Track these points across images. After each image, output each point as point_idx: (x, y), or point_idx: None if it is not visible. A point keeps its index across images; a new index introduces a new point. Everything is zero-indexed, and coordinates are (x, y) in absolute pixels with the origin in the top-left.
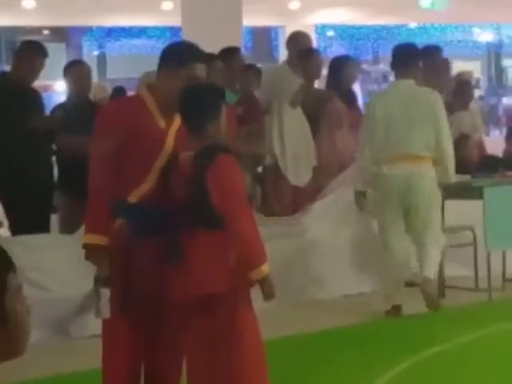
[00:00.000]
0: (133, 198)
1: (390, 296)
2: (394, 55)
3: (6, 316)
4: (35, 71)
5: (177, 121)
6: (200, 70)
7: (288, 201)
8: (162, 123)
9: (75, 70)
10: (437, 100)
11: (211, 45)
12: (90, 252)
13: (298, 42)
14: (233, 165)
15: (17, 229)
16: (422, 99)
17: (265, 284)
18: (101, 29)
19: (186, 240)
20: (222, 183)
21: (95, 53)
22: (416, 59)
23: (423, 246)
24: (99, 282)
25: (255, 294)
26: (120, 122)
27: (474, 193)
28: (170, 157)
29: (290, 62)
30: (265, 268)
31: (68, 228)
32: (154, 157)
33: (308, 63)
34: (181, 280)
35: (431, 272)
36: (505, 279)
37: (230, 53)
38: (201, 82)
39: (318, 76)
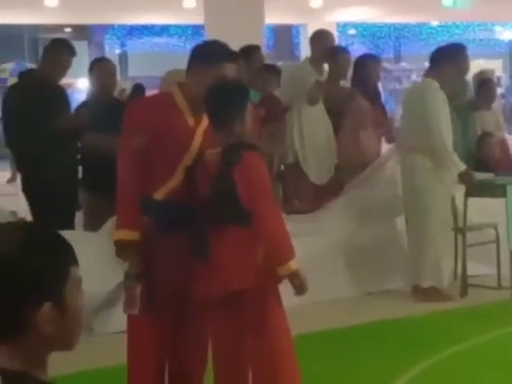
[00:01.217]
0: (159, 195)
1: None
2: (435, 54)
3: (65, 307)
4: (63, 69)
5: (205, 119)
6: (230, 69)
7: (309, 199)
8: (191, 121)
9: (100, 68)
10: (426, 92)
11: (233, 43)
12: (122, 248)
13: (322, 40)
14: (259, 162)
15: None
16: (415, 93)
17: (295, 279)
18: (122, 27)
19: (213, 236)
20: (249, 180)
21: (117, 51)
22: (440, 58)
23: None
24: (130, 277)
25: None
26: (149, 119)
27: (497, 190)
28: (197, 153)
29: (312, 59)
30: (292, 264)
31: (92, 225)
32: (182, 155)
33: (335, 62)
34: (209, 276)
35: None
36: None
37: (250, 51)
38: (227, 80)
39: (344, 75)
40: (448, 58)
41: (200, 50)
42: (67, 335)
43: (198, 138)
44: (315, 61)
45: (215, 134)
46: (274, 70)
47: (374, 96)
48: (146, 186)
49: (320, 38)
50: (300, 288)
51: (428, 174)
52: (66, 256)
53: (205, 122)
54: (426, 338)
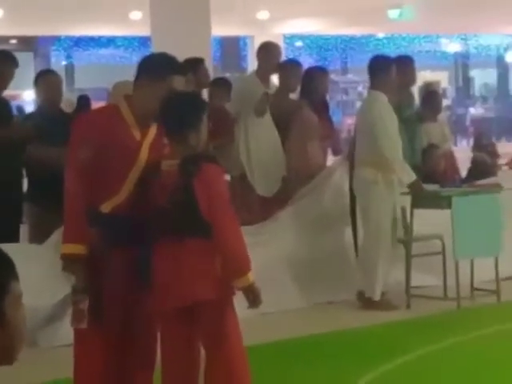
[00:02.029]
0: (106, 208)
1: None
2: (368, 66)
3: (4, 321)
4: (5, 81)
5: (152, 132)
6: (178, 82)
7: (256, 210)
8: (137, 134)
9: (46, 80)
10: (372, 104)
11: (180, 55)
12: (68, 262)
13: (268, 52)
14: (219, 174)
15: None
16: (364, 106)
17: (250, 292)
18: (69, 38)
19: (171, 248)
20: (209, 191)
21: (63, 62)
22: (386, 71)
23: None
24: (77, 291)
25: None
26: (96, 132)
27: (443, 202)
28: (148, 166)
29: (258, 72)
30: (250, 276)
31: (37, 238)
32: (128, 168)
33: (286, 75)
34: (167, 289)
35: None
36: (473, 288)
37: (195, 64)
38: (183, 91)
39: (295, 88)
40: (388, 70)
41: (148, 62)
42: (7, 350)
43: (144, 151)
44: (262, 73)
45: (171, 146)
46: (223, 84)
47: (321, 108)
48: (93, 199)
49: (266, 51)
50: (254, 301)
51: (378, 188)
52: (6, 271)
53: (151, 134)
54: (372, 349)
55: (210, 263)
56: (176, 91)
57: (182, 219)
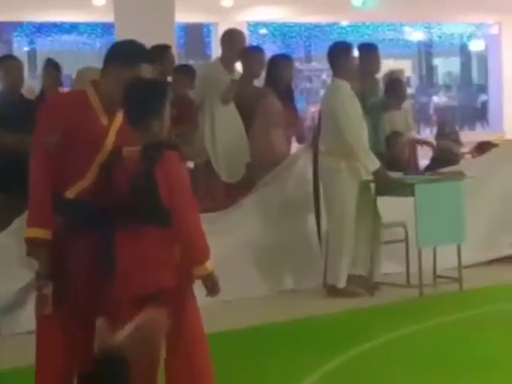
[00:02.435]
0: (70, 194)
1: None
2: (328, 54)
3: None
4: None
5: (118, 118)
6: (146, 69)
7: (220, 197)
8: (104, 120)
9: (6, 65)
10: (335, 92)
11: (144, 41)
12: (33, 247)
13: (232, 39)
14: (179, 161)
15: None
16: (327, 94)
17: (208, 280)
18: (31, 24)
19: (131, 235)
20: (170, 178)
21: (25, 49)
22: (345, 58)
23: None
24: (41, 277)
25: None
26: (62, 117)
27: (406, 189)
28: (111, 152)
29: (222, 59)
30: (208, 264)
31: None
32: (95, 153)
33: (249, 61)
34: (126, 276)
35: None
36: (435, 275)
37: (161, 51)
38: (145, 78)
39: (258, 75)
40: (347, 55)
41: (117, 49)
42: None
43: (111, 137)
44: (226, 60)
45: (133, 133)
46: (187, 71)
47: (286, 96)
48: (58, 184)
49: (230, 38)
50: (213, 289)
51: (342, 176)
52: None
53: (118, 120)
54: (336, 336)
55: (169, 251)
56: (139, 77)
57: (142, 206)
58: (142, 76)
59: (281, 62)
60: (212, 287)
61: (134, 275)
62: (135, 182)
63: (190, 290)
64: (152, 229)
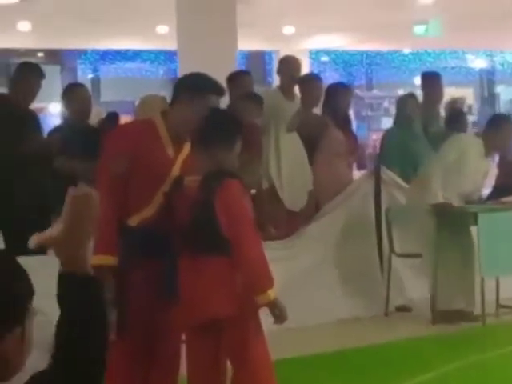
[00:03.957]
0: (133, 222)
1: None
2: None
3: (24, 336)
4: (32, 92)
5: (185, 150)
6: (214, 101)
7: (284, 225)
8: (170, 151)
9: (73, 93)
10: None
11: (206, 69)
12: (98, 274)
13: (289, 66)
14: (240, 189)
15: (11, 252)
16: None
17: (274, 308)
18: (95, 51)
19: (192, 264)
20: (229, 207)
21: (89, 76)
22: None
23: None
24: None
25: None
26: (130, 146)
27: (469, 219)
28: (173, 182)
29: (281, 86)
30: (271, 292)
31: None
32: (159, 184)
33: (308, 89)
34: (188, 305)
35: None
36: (498, 305)
37: (238, 76)
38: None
39: (317, 103)
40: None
41: (186, 80)
42: (15, 366)
43: (176, 169)
44: (284, 87)
45: (198, 162)
46: (255, 99)
47: (344, 123)
48: (122, 212)
49: (287, 64)
50: (279, 317)
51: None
52: (25, 295)
53: (185, 152)
54: (397, 365)
55: (230, 279)
56: (217, 109)
57: (201, 235)
58: (225, 109)
59: (338, 90)
60: (279, 315)
61: (195, 304)
62: (195, 212)
63: (255, 318)
64: (212, 258)
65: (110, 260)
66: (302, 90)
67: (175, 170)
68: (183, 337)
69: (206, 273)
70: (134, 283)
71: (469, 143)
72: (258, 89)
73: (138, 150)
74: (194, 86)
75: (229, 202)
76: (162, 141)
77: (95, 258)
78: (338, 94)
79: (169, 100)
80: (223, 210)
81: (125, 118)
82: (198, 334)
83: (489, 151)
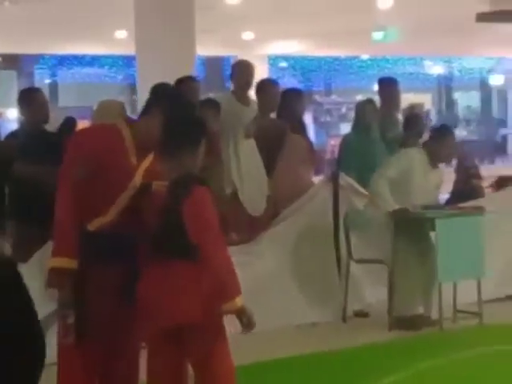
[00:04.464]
0: (92, 227)
1: None
2: None
3: None
4: None
5: (148, 160)
6: None
7: (245, 230)
8: (134, 159)
9: (31, 98)
10: None
11: (165, 74)
12: (58, 276)
13: (242, 71)
14: (208, 196)
15: None
16: None
17: (242, 315)
18: (53, 56)
19: (158, 270)
20: (198, 214)
21: (47, 81)
22: None
23: None
24: (65, 306)
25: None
26: (93, 150)
27: (426, 224)
28: (141, 186)
29: (235, 91)
30: (239, 300)
31: (21, 256)
32: (121, 190)
33: (265, 95)
34: (153, 310)
35: None
36: (456, 310)
37: (185, 81)
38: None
39: (274, 108)
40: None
41: (162, 95)
42: None
43: (138, 177)
44: (238, 92)
45: (165, 166)
46: (212, 105)
47: (299, 129)
48: (81, 216)
49: (239, 69)
50: (247, 325)
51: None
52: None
53: (147, 161)
54: (354, 371)
55: (196, 285)
56: (181, 113)
57: (169, 240)
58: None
59: (293, 95)
60: (247, 322)
61: (161, 309)
62: (163, 217)
63: (220, 325)
64: (179, 263)
65: (69, 263)
66: (259, 96)
67: (137, 179)
68: (143, 344)
69: (172, 278)
70: (93, 287)
71: (412, 159)
72: (216, 94)
73: (101, 155)
74: (170, 101)
75: (197, 208)
76: (126, 148)
77: (55, 261)
78: (292, 99)
79: (127, 106)
80: (192, 216)
81: (83, 124)
82: (161, 340)
83: (434, 163)
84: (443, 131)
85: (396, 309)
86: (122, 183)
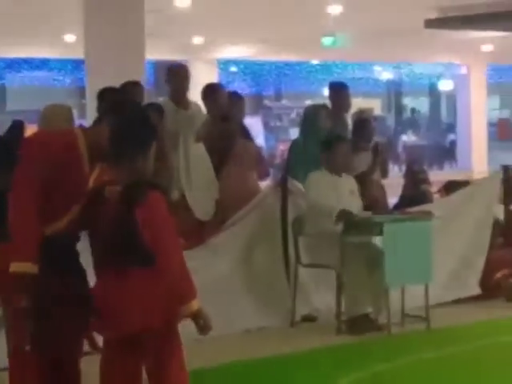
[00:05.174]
0: (46, 232)
1: None
2: None
3: None
4: None
5: (97, 170)
6: None
7: (194, 235)
8: (87, 168)
9: None
10: None
11: (114, 78)
12: (21, 281)
13: (177, 75)
14: (162, 201)
15: None
16: None
17: (199, 318)
18: (1, 60)
19: (114, 277)
20: (153, 220)
21: None
22: None
23: None
24: (23, 311)
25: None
26: (50, 155)
27: (374, 229)
28: (93, 192)
29: (172, 96)
30: (195, 303)
31: None
32: (75, 197)
33: (213, 99)
34: (109, 317)
35: None
36: (403, 314)
37: (130, 86)
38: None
39: (222, 112)
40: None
41: (112, 105)
42: None
43: (90, 185)
44: (175, 96)
45: (116, 172)
46: (156, 109)
47: (241, 133)
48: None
49: (173, 73)
50: (204, 327)
51: None
52: None
53: (96, 171)
54: (303, 375)
55: (153, 291)
56: (130, 116)
57: (123, 246)
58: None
59: (233, 99)
60: (203, 325)
61: (118, 315)
62: (117, 223)
63: (175, 329)
64: (135, 269)
65: (29, 267)
66: (205, 100)
67: (91, 185)
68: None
69: (129, 284)
70: (46, 293)
71: (316, 176)
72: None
73: (57, 160)
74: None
75: (152, 214)
76: (80, 156)
77: (17, 266)
78: (234, 104)
79: (76, 110)
80: (147, 222)
81: (31, 128)
82: (117, 347)
83: (331, 172)
84: (333, 141)
85: (345, 311)
86: (77, 190)
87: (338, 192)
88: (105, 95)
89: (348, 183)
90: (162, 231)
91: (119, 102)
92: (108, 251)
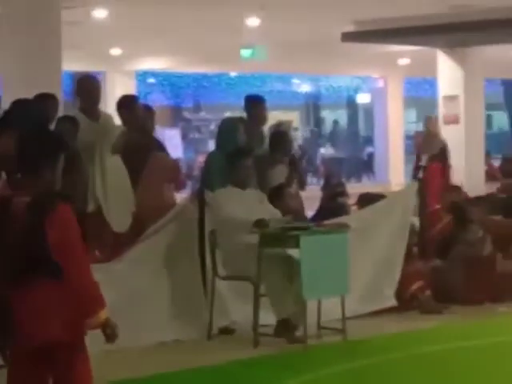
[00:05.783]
0: None
1: None
2: None
3: None
4: None
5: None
6: None
7: (109, 247)
8: None
9: None
10: None
11: (30, 90)
12: None
13: (86, 87)
14: (71, 214)
15: None
16: None
17: (106, 327)
18: None
19: (21, 289)
20: (61, 232)
21: None
22: None
23: None
24: None
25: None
26: None
27: (291, 241)
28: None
29: (82, 108)
30: (103, 314)
31: None
32: None
33: (130, 112)
34: (18, 329)
35: None
36: (320, 327)
37: (44, 99)
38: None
39: (139, 124)
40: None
41: (15, 118)
42: None
43: None
44: (85, 108)
45: (25, 183)
46: (70, 122)
47: (157, 145)
48: None
49: (82, 86)
50: (111, 336)
51: None
52: None
53: (1, 181)
54: None
55: (61, 303)
56: (36, 129)
57: (31, 258)
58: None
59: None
60: (110, 333)
61: (26, 327)
62: (24, 235)
63: (82, 342)
64: (43, 281)
65: None
66: (121, 112)
67: None
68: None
69: (36, 296)
70: None
71: (222, 193)
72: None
73: None
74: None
75: (61, 226)
76: None
77: None
78: (147, 116)
79: None
80: (55, 234)
81: None
82: (25, 359)
83: (235, 186)
84: (236, 155)
85: (274, 313)
86: None
87: (247, 204)
88: (13, 107)
89: (254, 194)
90: (69, 245)
91: (23, 114)
92: (16, 263)
